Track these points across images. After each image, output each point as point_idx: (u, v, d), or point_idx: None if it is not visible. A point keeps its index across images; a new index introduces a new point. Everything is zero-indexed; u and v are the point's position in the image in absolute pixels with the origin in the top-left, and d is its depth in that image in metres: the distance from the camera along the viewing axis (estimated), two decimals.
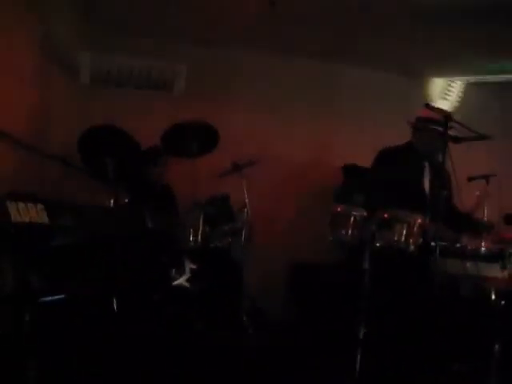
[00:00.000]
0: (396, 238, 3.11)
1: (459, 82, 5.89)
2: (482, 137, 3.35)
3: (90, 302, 2.29)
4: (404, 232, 3.11)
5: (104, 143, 4.10)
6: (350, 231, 3.19)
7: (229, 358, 3.65)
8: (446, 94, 5.91)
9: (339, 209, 3.26)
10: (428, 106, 3.48)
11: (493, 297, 3.22)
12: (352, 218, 3.20)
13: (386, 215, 3.15)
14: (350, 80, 5.89)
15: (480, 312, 3.24)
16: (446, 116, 3.30)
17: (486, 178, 4.17)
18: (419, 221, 3.15)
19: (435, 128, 3.65)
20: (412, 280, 3.30)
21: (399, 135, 4.08)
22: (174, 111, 5.44)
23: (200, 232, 4.32)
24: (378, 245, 3.12)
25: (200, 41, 5.43)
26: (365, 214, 3.21)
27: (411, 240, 3.11)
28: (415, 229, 3.13)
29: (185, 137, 4.33)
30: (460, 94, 5.92)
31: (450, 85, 5.91)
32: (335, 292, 4.31)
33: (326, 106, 5.81)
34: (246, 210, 4.89)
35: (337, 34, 5.09)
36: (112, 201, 3.99)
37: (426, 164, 3.94)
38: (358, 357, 3.08)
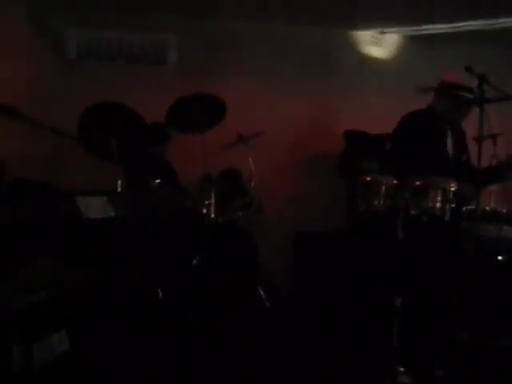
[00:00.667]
0: (431, 205, 3.01)
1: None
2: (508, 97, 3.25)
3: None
4: (438, 198, 3.02)
5: (108, 121, 3.92)
6: (381, 201, 3.09)
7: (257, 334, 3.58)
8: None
9: (368, 178, 3.15)
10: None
11: None
12: (383, 187, 3.09)
13: (419, 182, 3.05)
14: (347, 45, 5.72)
15: None
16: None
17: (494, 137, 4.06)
18: (453, 186, 3.06)
19: (460, 93, 3.61)
20: (447, 246, 3.24)
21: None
22: (168, 85, 5.28)
23: (212, 207, 4.21)
24: (412, 213, 3.02)
25: (192, 11, 5.20)
26: (394, 181, 3.11)
27: (447, 206, 3.03)
28: (450, 195, 3.04)
29: (191, 110, 4.15)
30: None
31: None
32: (347, 261, 4.26)
33: (326, 74, 5.64)
34: (252, 181, 4.78)
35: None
36: (119, 182, 3.86)
37: (449, 130, 3.86)
38: (395, 327, 3.02)
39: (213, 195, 4.20)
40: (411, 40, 5.76)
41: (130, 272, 1.76)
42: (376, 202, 3.10)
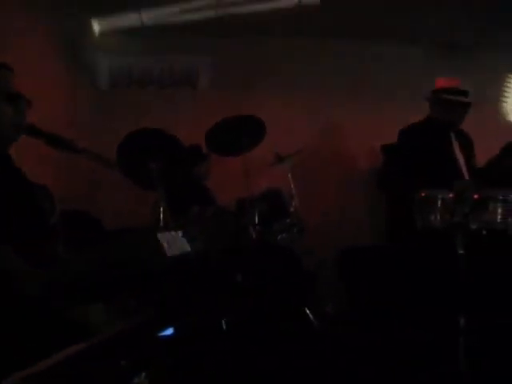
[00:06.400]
0: (493, 219, 2.90)
1: None
2: None
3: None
4: (499, 211, 2.91)
5: (147, 147, 3.88)
6: (438, 216, 2.99)
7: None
8: None
9: (423, 194, 3.05)
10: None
11: None
12: (439, 202, 3.00)
13: (477, 195, 2.94)
14: (386, 60, 5.63)
15: None
16: None
17: None
18: None
19: (451, 97, 3.81)
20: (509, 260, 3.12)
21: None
22: (201, 107, 5.25)
23: (254, 230, 4.12)
24: (473, 227, 2.91)
25: (221, 32, 5.17)
26: (451, 195, 3.01)
27: (509, 219, 2.91)
28: None
29: (230, 133, 4.09)
30: None
31: None
32: (401, 279, 4.10)
33: (363, 87, 5.55)
34: (293, 201, 4.70)
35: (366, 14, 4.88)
36: (161, 208, 3.82)
37: (452, 134, 3.91)
38: (462, 347, 2.89)
39: (256, 217, 4.12)
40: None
41: (202, 308, 1.69)
42: (433, 218, 3.00)
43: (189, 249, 1.50)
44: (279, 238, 4.39)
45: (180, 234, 1.48)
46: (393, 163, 4.25)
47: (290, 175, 4.73)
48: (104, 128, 4.99)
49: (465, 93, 3.92)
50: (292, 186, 4.71)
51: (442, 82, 4.01)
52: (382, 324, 3.92)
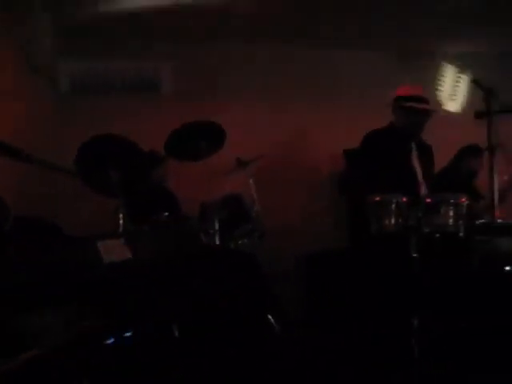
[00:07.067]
0: (445, 222, 2.96)
1: None
2: None
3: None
4: (451, 214, 2.97)
5: (106, 154, 3.86)
6: (393, 220, 3.04)
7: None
8: None
9: (378, 198, 3.10)
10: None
11: None
12: (393, 206, 3.04)
13: (429, 199, 3.00)
14: (348, 66, 5.69)
15: None
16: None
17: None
18: (465, 201, 3.01)
19: (414, 105, 3.83)
20: (461, 262, 3.19)
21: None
22: (164, 113, 5.23)
23: (216, 236, 4.12)
24: (425, 231, 2.96)
25: (186, 37, 5.17)
26: (404, 199, 3.06)
27: (460, 222, 2.97)
28: (463, 210, 2.99)
29: (189, 139, 4.09)
30: None
31: None
32: (358, 282, 4.14)
33: (325, 95, 5.60)
34: (255, 206, 4.72)
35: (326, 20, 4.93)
36: (121, 215, 3.79)
37: (413, 143, 3.99)
38: (415, 348, 2.95)
39: (216, 223, 4.11)
40: None
41: (148, 313, 1.68)
42: (387, 222, 3.04)
43: (130, 256, 1.51)
44: (240, 243, 4.40)
45: (121, 241, 1.49)
46: (354, 168, 4.30)
47: (251, 180, 4.74)
48: (65, 136, 4.92)
49: (426, 100, 3.95)
50: (253, 191, 4.73)
51: (403, 90, 4.03)
52: (341, 326, 3.96)
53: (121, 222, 3.80)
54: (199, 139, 4.11)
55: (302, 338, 4.23)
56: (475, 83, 3.09)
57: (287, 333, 4.24)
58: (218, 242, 4.12)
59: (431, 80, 5.67)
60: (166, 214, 3.49)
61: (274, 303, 4.47)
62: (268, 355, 3.77)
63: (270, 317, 4.33)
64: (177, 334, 2.25)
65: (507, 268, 3.19)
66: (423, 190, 3.81)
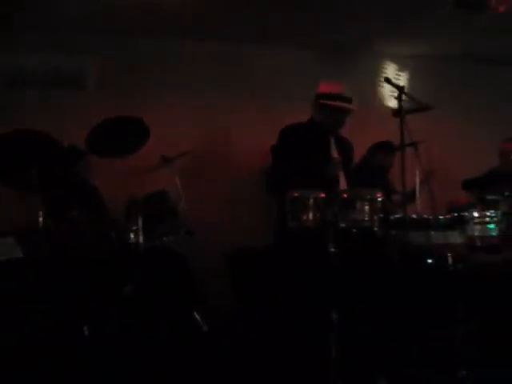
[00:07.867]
0: (360, 217, 3.02)
1: None
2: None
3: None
4: (366, 209, 3.04)
5: (23, 150, 3.74)
6: (310, 215, 3.08)
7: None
8: None
9: (296, 194, 3.13)
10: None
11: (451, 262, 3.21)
12: (311, 202, 3.08)
13: (345, 194, 3.06)
14: (274, 62, 5.68)
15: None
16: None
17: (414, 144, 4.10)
18: (380, 196, 3.08)
19: (335, 102, 3.91)
20: (376, 256, 3.26)
21: None
22: (88, 109, 5.09)
23: (140, 233, 4.06)
24: (342, 226, 3.02)
25: (111, 32, 5.05)
26: (322, 195, 3.11)
27: (375, 217, 3.04)
28: (377, 205, 3.06)
29: (112, 135, 4.01)
30: None
31: None
32: (279, 278, 4.18)
33: (248, 91, 5.59)
34: (180, 203, 4.68)
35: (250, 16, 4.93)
36: (41, 212, 3.68)
37: (332, 139, 4.07)
38: (333, 342, 3.00)
39: (140, 220, 4.05)
40: None
41: (46, 314, 1.63)
42: (305, 217, 3.08)
43: (20, 254, 1.46)
44: (165, 239, 4.35)
45: (10, 240, 1.44)
46: (275, 164, 4.31)
47: (177, 177, 4.70)
48: None
49: (347, 99, 3.99)
50: (179, 187, 4.69)
51: (325, 87, 4.07)
52: (266, 320, 3.99)
53: (40, 218, 3.72)
54: (123, 135, 4.04)
55: (229, 334, 4.24)
56: (387, 82, 3.16)
57: (214, 329, 4.25)
58: (141, 240, 4.06)
59: (368, 79, 5.81)
60: (76, 212, 3.39)
61: (201, 300, 4.47)
62: (195, 352, 3.77)
63: (196, 314, 4.33)
64: (87, 333, 2.20)
65: (429, 261, 3.27)
66: (343, 184, 3.88)
